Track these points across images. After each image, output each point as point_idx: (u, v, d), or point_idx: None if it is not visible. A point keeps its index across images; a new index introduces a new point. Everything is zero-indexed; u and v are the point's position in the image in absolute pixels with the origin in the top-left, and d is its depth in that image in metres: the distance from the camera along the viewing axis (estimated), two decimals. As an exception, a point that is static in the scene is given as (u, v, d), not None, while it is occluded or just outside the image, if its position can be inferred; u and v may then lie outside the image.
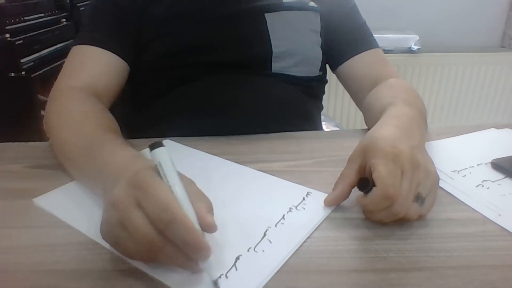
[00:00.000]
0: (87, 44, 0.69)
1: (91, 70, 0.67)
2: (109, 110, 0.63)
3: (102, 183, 0.42)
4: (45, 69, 1.37)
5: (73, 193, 0.51)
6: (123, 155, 0.45)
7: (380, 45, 0.80)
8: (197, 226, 0.35)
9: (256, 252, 0.40)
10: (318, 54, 0.78)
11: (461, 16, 2.00)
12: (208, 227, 0.36)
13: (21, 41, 1.31)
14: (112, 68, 0.69)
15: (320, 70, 0.80)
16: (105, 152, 0.47)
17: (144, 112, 0.76)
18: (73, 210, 0.47)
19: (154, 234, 0.34)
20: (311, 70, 0.78)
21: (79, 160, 0.51)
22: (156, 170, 0.37)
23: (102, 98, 0.65)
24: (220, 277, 0.37)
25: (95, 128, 0.54)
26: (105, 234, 0.37)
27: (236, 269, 0.38)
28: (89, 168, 0.48)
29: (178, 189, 0.36)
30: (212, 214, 0.38)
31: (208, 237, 0.36)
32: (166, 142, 0.38)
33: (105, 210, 0.38)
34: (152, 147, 0.37)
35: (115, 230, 0.36)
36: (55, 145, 0.58)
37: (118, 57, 0.69)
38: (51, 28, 1.49)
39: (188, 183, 0.38)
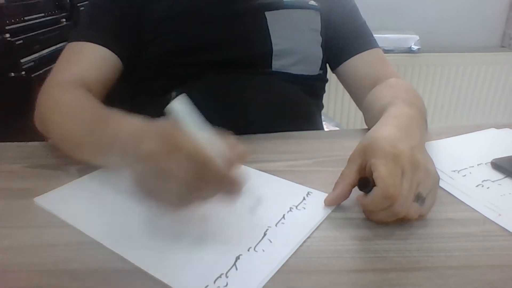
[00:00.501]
0: (79, 40, 0.69)
1: (81, 64, 0.67)
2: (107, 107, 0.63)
3: (117, 152, 0.45)
4: (45, 69, 1.37)
5: (73, 192, 0.51)
6: (130, 120, 0.47)
7: (380, 45, 0.80)
8: (222, 164, 0.38)
9: (256, 251, 0.40)
10: (319, 52, 0.78)
11: (461, 16, 2.00)
12: (240, 156, 0.40)
13: (21, 41, 1.31)
14: (103, 63, 0.69)
15: (320, 69, 0.80)
16: (113, 123, 0.49)
17: (145, 111, 0.76)
18: (73, 209, 0.47)
19: (192, 175, 0.37)
20: (311, 68, 0.78)
21: (87, 141, 0.52)
22: (177, 120, 0.39)
23: (92, 91, 0.65)
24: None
25: (94, 109, 0.56)
26: (142, 188, 0.40)
27: (236, 269, 0.38)
28: (99, 145, 0.49)
29: (201, 133, 0.39)
30: (236, 147, 0.41)
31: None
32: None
33: (135, 167, 0.40)
34: (168, 100, 0.38)
35: (152, 181, 0.39)
36: (55, 135, 0.59)
37: (110, 52, 0.69)
38: (51, 28, 1.49)
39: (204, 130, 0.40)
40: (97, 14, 0.73)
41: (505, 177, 0.55)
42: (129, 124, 0.47)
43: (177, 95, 0.38)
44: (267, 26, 0.73)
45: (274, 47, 0.73)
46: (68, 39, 0.72)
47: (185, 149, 0.37)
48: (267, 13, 0.74)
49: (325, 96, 0.87)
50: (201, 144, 0.38)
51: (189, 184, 0.37)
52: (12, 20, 1.30)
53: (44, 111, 0.61)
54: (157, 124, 0.41)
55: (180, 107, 0.38)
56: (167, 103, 0.38)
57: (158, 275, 0.37)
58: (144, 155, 0.39)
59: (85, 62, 0.68)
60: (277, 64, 0.74)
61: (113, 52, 0.69)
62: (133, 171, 0.41)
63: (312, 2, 0.78)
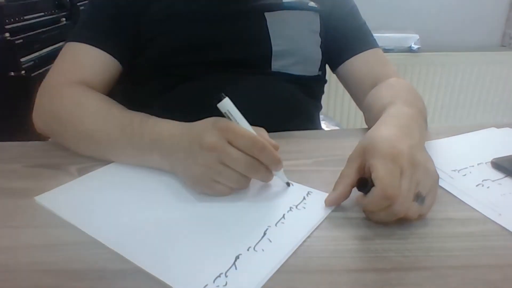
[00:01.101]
0: (80, 41, 0.69)
1: (83, 68, 0.68)
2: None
3: (159, 150, 0.52)
4: (45, 69, 1.37)
5: (74, 192, 0.51)
6: (168, 123, 0.54)
7: (380, 44, 0.80)
8: None
9: (256, 251, 0.40)
10: (318, 54, 0.78)
11: (461, 16, 2.00)
12: (275, 146, 0.48)
13: (21, 41, 1.30)
14: (103, 67, 0.69)
15: (319, 70, 0.80)
16: (151, 125, 0.55)
17: (144, 111, 0.76)
18: (74, 208, 0.47)
19: (251, 160, 0.46)
20: (310, 69, 0.78)
21: (121, 140, 0.56)
22: (228, 116, 0.47)
23: None
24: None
25: (122, 110, 0.60)
26: (201, 177, 0.48)
27: (236, 268, 0.38)
28: (137, 144, 0.54)
29: (248, 126, 0.48)
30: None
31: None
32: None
33: (195, 159, 0.47)
34: (218, 100, 0.47)
35: (214, 168, 0.46)
36: (76, 135, 0.60)
37: (110, 56, 0.70)
38: (51, 27, 1.49)
39: None
40: (97, 16, 0.73)
41: (505, 176, 0.55)
42: (171, 125, 0.54)
43: (222, 98, 0.46)
44: (267, 27, 0.73)
45: (274, 48, 0.73)
46: (67, 38, 0.71)
47: (245, 137, 0.45)
48: (266, 14, 0.74)
49: (325, 96, 0.87)
50: (255, 134, 0.46)
51: (251, 166, 0.46)
52: (12, 20, 1.30)
53: (58, 109, 0.62)
54: (211, 120, 0.48)
55: (229, 104, 0.47)
56: (218, 101, 0.47)
57: (157, 274, 0.37)
58: (209, 146, 0.45)
59: (86, 66, 0.68)
60: (277, 65, 0.74)
61: (114, 56, 0.70)
62: (190, 166, 0.48)
63: (312, 4, 0.78)
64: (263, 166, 0.47)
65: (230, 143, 0.45)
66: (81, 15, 0.76)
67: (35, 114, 0.64)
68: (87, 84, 0.66)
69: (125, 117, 0.58)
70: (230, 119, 0.47)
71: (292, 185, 0.52)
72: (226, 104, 0.47)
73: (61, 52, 0.70)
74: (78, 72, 0.67)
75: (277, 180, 0.52)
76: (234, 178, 0.47)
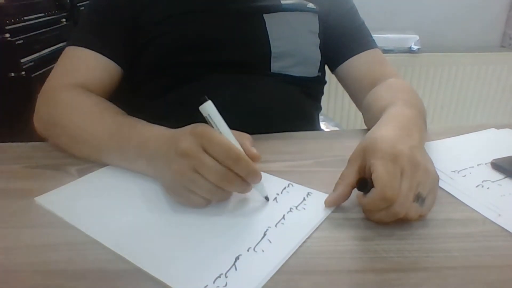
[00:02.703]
0: (80, 46, 0.69)
1: (84, 72, 0.68)
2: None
3: (144, 157, 0.51)
4: (45, 69, 1.37)
5: (74, 192, 0.51)
6: (156, 128, 0.53)
7: (380, 45, 0.80)
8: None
9: (256, 252, 0.40)
10: (317, 55, 0.78)
11: (461, 16, 1.99)
12: (254, 157, 0.46)
13: (21, 41, 1.31)
14: (104, 71, 0.70)
15: (319, 71, 0.80)
16: (138, 130, 0.54)
17: (143, 112, 0.76)
18: (74, 209, 0.47)
19: (225, 170, 0.43)
20: (309, 70, 0.78)
21: (109, 145, 0.56)
22: (208, 121, 0.45)
23: None
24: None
25: (115, 114, 0.60)
26: (175, 185, 0.45)
27: (236, 269, 0.38)
28: (124, 149, 0.54)
29: (228, 133, 0.45)
30: (254, 147, 0.48)
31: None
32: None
33: (170, 165, 0.45)
34: (200, 102, 0.44)
35: (188, 176, 0.43)
36: (69, 137, 0.60)
37: (111, 61, 0.70)
38: (51, 28, 1.49)
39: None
40: (96, 20, 0.73)
41: (505, 177, 0.55)
42: (157, 131, 0.52)
43: (204, 101, 0.44)
44: (266, 29, 0.73)
45: (273, 49, 0.73)
46: (67, 42, 0.72)
47: (220, 145, 0.42)
48: (265, 16, 0.74)
49: (325, 96, 0.87)
50: (232, 143, 0.43)
51: (224, 176, 0.43)
52: (12, 20, 1.30)
53: (55, 112, 0.62)
54: (190, 126, 0.46)
55: (211, 107, 0.44)
56: (200, 104, 0.44)
57: (157, 275, 0.37)
58: (182, 152, 0.43)
59: (87, 70, 0.68)
60: (276, 66, 0.74)
61: (114, 61, 0.70)
62: (166, 172, 0.46)
63: (310, 5, 0.78)
64: (238, 178, 0.44)
65: (205, 150, 0.43)
66: (81, 18, 0.76)
67: (35, 117, 0.65)
68: (86, 87, 0.66)
69: (114, 122, 0.58)
70: (211, 125, 0.45)
71: (292, 185, 0.52)
72: (207, 108, 0.45)
73: (60, 57, 0.70)
74: (77, 76, 0.67)
75: (278, 181, 0.52)
76: (207, 188, 0.44)
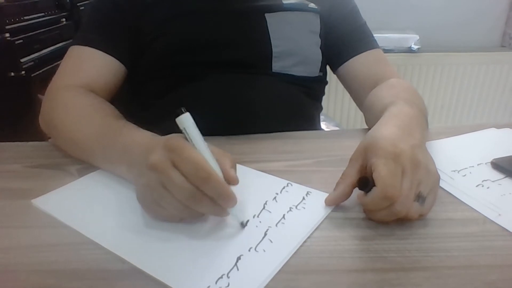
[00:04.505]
0: (84, 45, 0.69)
1: (88, 71, 0.68)
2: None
3: (126, 162, 0.49)
4: (45, 69, 1.37)
5: (72, 193, 0.51)
6: (141, 134, 0.51)
7: (380, 44, 0.80)
8: (223, 180, 0.41)
9: (257, 251, 0.40)
10: (318, 55, 0.78)
11: (461, 16, 1.99)
12: (232, 180, 0.42)
13: (21, 41, 1.31)
14: (108, 70, 0.70)
15: (320, 71, 0.80)
16: (123, 136, 0.52)
17: (145, 112, 0.76)
18: (72, 211, 0.47)
19: (192, 189, 0.39)
20: (311, 70, 0.78)
21: (97, 148, 0.55)
22: (183, 136, 0.42)
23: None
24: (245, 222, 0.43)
25: (105, 117, 0.58)
26: (145, 198, 0.43)
27: (238, 269, 0.38)
28: (109, 154, 0.52)
29: (204, 149, 0.41)
30: (235, 168, 0.44)
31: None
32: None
33: (141, 177, 0.43)
34: (177, 114, 0.41)
35: (156, 190, 0.41)
36: (64, 139, 0.60)
37: (115, 59, 0.70)
38: (51, 27, 1.49)
39: (209, 145, 0.43)
40: (99, 19, 0.73)
41: (505, 177, 0.55)
42: (140, 137, 0.50)
43: (181, 113, 0.41)
44: (267, 28, 0.73)
45: (274, 49, 0.73)
46: (72, 41, 0.72)
47: (190, 161, 0.39)
48: (267, 15, 0.74)
49: (325, 96, 0.87)
50: (205, 160, 0.40)
51: (190, 196, 0.39)
52: (12, 20, 1.30)
53: (53, 114, 0.62)
54: (165, 137, 0.43)
55: (188, 120, 0.41)
56: (176, 116, 0.41)
57: (159, 276, 0.37)
58: (151, 166, 0.40)
59: (92, 70, 0.69)
60: (277, 66, 0.74)
61: (118, 59, 0.70)
62: (138, 182, 0.44)
63: (312, 5, 0.78)
64: (207, 199, 0.40)
65: (175, 165, 0.39)
66: (84, 18, 0.76)
67: (39, 118, 0.65)
68: (90, 87, 0.66)
69: (102, 125, 0.56)
70: (187, 138, 0.41)
71: (291, 185, 0.52)
72: (184, 121, 0.41)
73: (65, 56, 0.70)
74: (81, 75, 0.67)
75: (277, 180, 0.51)
76: (176, 206, 0.41)
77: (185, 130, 0.41)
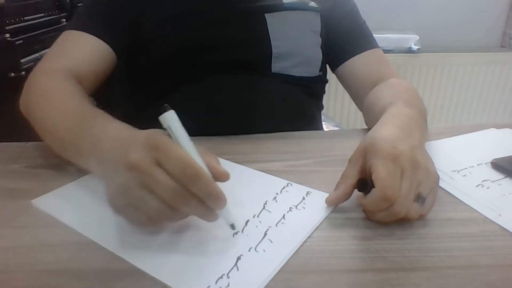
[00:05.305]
0: (75, 29, 0.69)
1: (75, 54, 0.67)
2: (109, 108, 0.63)
3: (96, 157, 0.44)
4: (45, 69, 1.37)
5: (71, 194, 0.51)
6: (115, 127, 0.47)
7: (380, 45, 0.80)
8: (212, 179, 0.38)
9: (257, 251, 0.40)
10: (318, 54, 0.78)
11: (461, 16, 1.99)
12: (221, 175, 0.40)
13: (21, 41, 1.30)
14: (96, 54, 0.69)
15: (320, 70, 0.80)
16: (96, 127, 0.48)
17: (145, 112, 0.76)
18: (71, 211, 0.47)
19: (179, 188, 0.36)
20: (311, 70, 0.78)
21: (68, 139, 0.51)
22: (165, 133, 0.39)
23: (83, 82, 0.64)
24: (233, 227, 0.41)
25: (81, 105, 0.55)
26: (119, 200, 0.39)
27: (238, 269, 0.38)
28: (79, 146, 0.48)
29: (190, 147, 0.39)
30: (221, 165, 0.41)
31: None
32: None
33: (115, 176, 0.39)
34: (161, 111, 0.39)
35: (135, 192, 0.37)
36: (39, 125, 0.57)
37: (105, 44, 0.69)
38: (51, 28, 1.49)
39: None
40: (94, 6, 0.73)
41: (505, 177, 0.55)
42: (114, 130, 0.46)
43: (165, 111, 0.38)
44: (267, 29, 0.73)
45: (274, 50, 0.73)
46: (65, 27, 0.71)
47: (177, 159, 0.36)
48: (267, 15, 0.74)
49: (325, 96, 0.87)
50: (192, 158, 0.37)
51: (176, 196, 0.36)
52: (12, 20, 1.30)
53: (31, 98, 0.60)
54: (146, 133, 0.39)
55: (172, 118, 0.39)
56: (160, 113, 0.38)
57: (159, 276, 0.37)
58: (131, 165, 0.37)
59: (78, 52, 0.67)
60: (277, 67, 0.74)
61: (107, 43, 0.69)
62: (112, 181, 0.39)
63: (312, 4, 0.78)
64: (195, 199, 0.37)
65: (159, 164, 0.36)
66: (80, 7, 0.76)
67: (20, 98, 0.63)
68: (75, 71, 0.64)
69: (76, 114, 0.53)
70: (171, 137, 0.39)
71: (291, 185, 0.52)
72: (168, 119, 0.38)
73: (56, 40, 0.69)
74: (66, 59, 0.66)
75: (277, 180, 0.51)
76: (155, 208, 0.37)
77: (170, 128, 0.38)
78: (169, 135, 0.39)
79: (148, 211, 0.38)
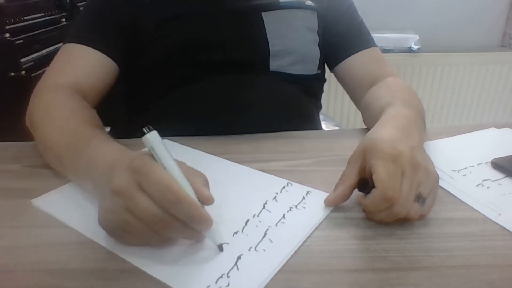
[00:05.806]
0: (76, 42, 0.69)
1: (78, 69, 0.67)
2: (108, 110, 0.63)
3: (91, 178, 0.45)
4: (45, 69, 1.36)
5: (71, 194, 0.51)
6: (109, 148, 0.47)
7: (380, 44, 0.80)
8: (196, 200, 0.38)
9: (257, 251, 0.40)
10: (316, 52, 0.78)
11: (461, 16, 1.99)
12: (206, 199, 0.39)
13: (21, 41, 1.30)
14: (99, 67, 0.69)
15: (318, 68, 0.80)
16: (91, 148, 0.48)
17: (144, 113, 0.76)
18: (71, 211, 0.47)
19: (161, 212, 0.36)
20: (309, 68, 0.78)
21: (65, 157, 0.52)
22: (150, 154, 0.39)
23: (88, 97, 0.65)
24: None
25: (80, 124, 0.55)
26: (108, 223, 0.39)
27: (238, 269, 0.38)
28: (76, 165, 0.49)
29: (174, 169, 0.38)
30: (208, 187, 0.41)
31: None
32: (164, 142, 0.39)
33: (104, 200, 0.39)
34: (143, 133, 0.39)
35: (121, 216, 0.37)
36: (40, 142, 0.58)
37: (107, 57, 0.69)
38: (51, 27, 1.49)
39: (180, 163, 0.40)
40: (93, 17, 0.73)
41: (505, 176, 0.55)
42: (106, 151, 0.46)
43: (148, 131, 0.39)
44: (264, 27, 0.73)
45: (271, 48, 0.73)
46: (64, 40, 0.71)
47: (157, 183, 0.36)
48: (263, 14, 0.74)
49: (325, 96, 0.87)
50: (174, 181, 0.37)
51: (159, 221, 0.36)
52: (12, 20, 1.30)
53: (35, 114, 0.60)
54: (131, 156, 0.39)
55: (155, 139, 0.39)
56: (143, 135, 0.38)
57: (159, 275, 0.37)
58: (115, 189, 0.37)
59: (81, 67, 0.67)
60: (275, 65, 0.74)
61: (110, 57, 0.69)
62: (102, 204, 0.40)
63: (309, 2, 0.78)
64: (178, 222, 0.37)
65: (141, 188, 0.36)
66: (78, 17, 0.76)
67: (26, 115, 0.63)
68: (79, 85, 0.65)
69: (75, 133, 0.53)
70: (155, 158, 0.38)
71: (291, 184, 0.52)
72: (151, 139, 0.38)
73: (57, 54, 0.69)
74: (70, 74, 0.66)
75: (277, 180, 0.51)
76: (141, 232, 0.37)
77: (153, 149, 0.38)
78: (153, 157, 0.38)
79: (135, 235, 0.38)
